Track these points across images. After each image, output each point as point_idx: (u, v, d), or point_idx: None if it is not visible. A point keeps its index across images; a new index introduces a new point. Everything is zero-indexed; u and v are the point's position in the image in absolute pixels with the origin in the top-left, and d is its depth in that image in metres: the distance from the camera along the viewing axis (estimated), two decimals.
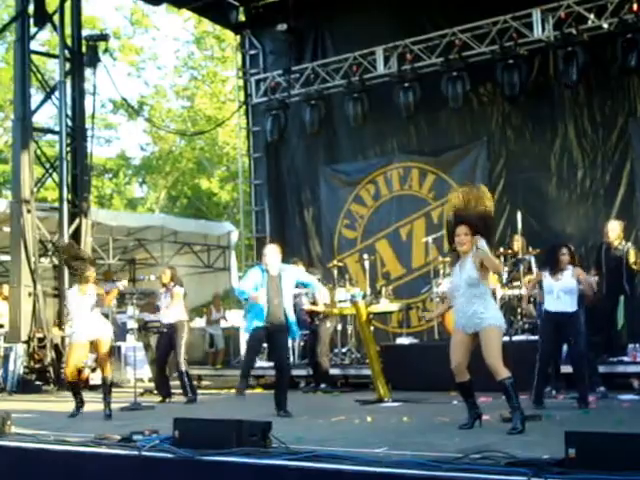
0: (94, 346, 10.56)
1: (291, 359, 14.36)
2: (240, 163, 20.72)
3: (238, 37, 19.76)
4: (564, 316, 9.74)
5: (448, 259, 14.28)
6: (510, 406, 7.54)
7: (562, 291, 9.78)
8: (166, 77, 35.16)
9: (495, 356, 7.51)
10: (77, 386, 10.77)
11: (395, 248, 16.51)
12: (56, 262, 15.90)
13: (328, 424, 8.88)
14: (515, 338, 12.19)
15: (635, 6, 13.62)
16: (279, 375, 10.00)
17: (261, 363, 14.92)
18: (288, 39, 17.88)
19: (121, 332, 16.80)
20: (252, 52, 18.99)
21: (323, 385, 13.31)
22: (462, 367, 7.77)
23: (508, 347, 7.90)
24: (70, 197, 16.28)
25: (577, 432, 5.37)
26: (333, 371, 13.68)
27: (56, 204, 16.58)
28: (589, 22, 14.26)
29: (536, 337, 12.10)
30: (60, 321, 15.74)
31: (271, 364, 14.79)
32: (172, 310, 12.33)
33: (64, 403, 12.70)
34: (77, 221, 16.17)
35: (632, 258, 11.95)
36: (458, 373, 7.81)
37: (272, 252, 9.96)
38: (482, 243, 7.60)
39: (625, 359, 11.65)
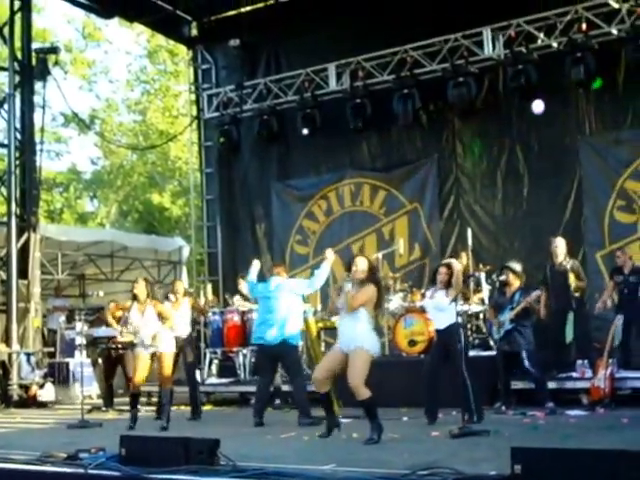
0: None
1: (242, 375, 14.38)
2: (192, 178, 20.63)
3: (191, 52, 19.68)
4: (439, 333, 10.08)
5: (398, 275, 14.42)
6: (370, 422, 8.36)
7: (435, 309, 10.09)
8: (118, 91, 34.97)
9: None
10: None
11: (346, 264, 16.43)
12: (4, 277, 15.72)
13: (277, 440, 8.86)
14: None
15: (584, 26, 13.82)
16: None
17: (211, 379, 14.82)
18: (241, 54, 17.88)
19: (69, 348, 16.62)
20: (204, 67, 18.91)
21: (277, 401, 13.24)
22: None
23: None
24: (19, 211, 16.06)
25: (523, 448, 5.40)
26: (284, 387, 13.62)
27: (4, 218, 16.36)
28: (539, 41, 14.41)
29: (487, 352, 12.25)
30: (7, 337, 15.50)
31: (222, 380, 14.78)
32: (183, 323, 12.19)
33: (10, 420, 12.55)
34: (25, 235, 15.94)
35: (572, 281, 12.09)
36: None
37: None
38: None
39: (574, 375, 11.72)
